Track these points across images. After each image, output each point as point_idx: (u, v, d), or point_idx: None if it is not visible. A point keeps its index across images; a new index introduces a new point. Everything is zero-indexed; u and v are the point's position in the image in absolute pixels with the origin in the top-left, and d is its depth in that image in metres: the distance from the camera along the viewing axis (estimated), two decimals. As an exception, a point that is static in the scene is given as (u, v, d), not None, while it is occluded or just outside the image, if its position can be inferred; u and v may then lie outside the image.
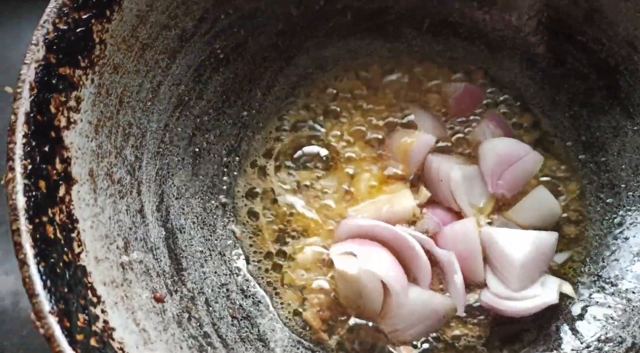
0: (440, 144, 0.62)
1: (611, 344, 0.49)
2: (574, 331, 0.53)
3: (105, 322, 0.38)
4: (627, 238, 0.56)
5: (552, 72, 0.64)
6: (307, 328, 0.54)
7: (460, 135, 0.63)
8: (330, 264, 0.54)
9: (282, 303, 0.55)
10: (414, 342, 0.54)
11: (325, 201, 0.60)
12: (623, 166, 0.58)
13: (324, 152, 0.62)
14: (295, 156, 0.62)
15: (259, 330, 0.51)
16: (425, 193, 0.59)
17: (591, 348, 0.51)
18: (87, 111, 0.46)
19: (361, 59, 0.67)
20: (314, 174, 0.61)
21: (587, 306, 0.55)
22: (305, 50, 0.65)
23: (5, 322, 0.71)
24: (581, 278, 0.57)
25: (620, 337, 0.49)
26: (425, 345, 0.53)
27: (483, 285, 0.54)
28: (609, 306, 0.54)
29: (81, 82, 0.45)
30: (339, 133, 0.63)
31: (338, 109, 0.64)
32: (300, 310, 0.55)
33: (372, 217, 0.56)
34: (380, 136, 0.63)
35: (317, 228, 0.59)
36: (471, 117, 0.64)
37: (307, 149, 0.63)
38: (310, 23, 0.64)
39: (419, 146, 0.59)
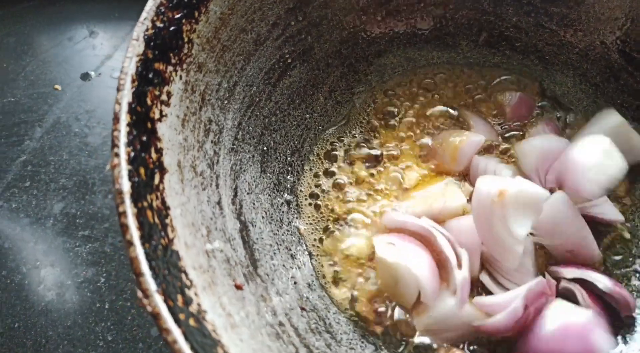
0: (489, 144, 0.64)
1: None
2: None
3: (199, 304, 0.39)
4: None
5: (605, 87, 0.66)
6: (362, 320, 0.56)
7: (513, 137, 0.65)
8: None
9: (339, 297, 0.56)
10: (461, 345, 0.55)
11: (378, 197, 0.62)
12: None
13: (376, 152, 0.65)
14: (352, 157, 0.64)
15: (325, 323, 0.53)
16: (468, 188, 0.60)
17: None
18: (176, 106, 0.48)
19: (419, 68, 0.69)
20: (368, 172, 0.63)
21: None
22: (366, 58, 0.68)
23: (51, 312, 0.72)
24: (633, 282, 0.58)
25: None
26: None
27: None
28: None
29: (172, 78, 0.48)
30: (393, 133, 0.65)
31: (395, 111, 0.67)
32: (354, 302, 0.56)
33: (423, 212, 0.57)
34: (431, 139, 0.65)
35: (371, 223, 0.60)
36: (526, 122, 0.66)
37: (362, 151, 0.65)
38: (372, 32, 0.67)
39: (468, 145, 0.61)
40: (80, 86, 0.96)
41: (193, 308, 0.38)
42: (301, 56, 0.63)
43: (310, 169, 0.64)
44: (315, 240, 0.60)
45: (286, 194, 0.61)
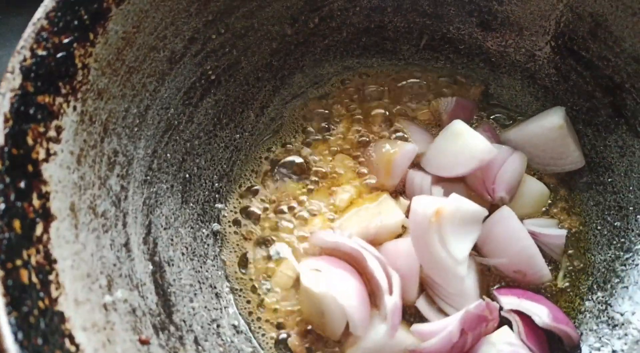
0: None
1: None
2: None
3: (85, 373, 0.35)
4: (637, 264, 0.54)
5: (554, 89, 0.62)
6: None
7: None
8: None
9: (263, 333, 0.52)
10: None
11: (309, 218, 0.57)
12: (631, 188, 0.56)
13: (308, 163, 0.60)
14: (281, 176, 0.60)
15: (252, 370, 0.49)
16: (404, 203, 0.56)
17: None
18: (69, 141, 0.43)
19: (357, 75, 0.65)
20: (299, 190, 0.59)
21: (597, 338, 0.52)
22: (300, 68, 0.63)
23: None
24: (588, 305, 0.55)
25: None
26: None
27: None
28: (619, 338, 0.51)
29: (62, 111, 0.43)
30: (326, 144, 0.61)
31: (329, 122, 0.62)
32: (284, 336, 0.52)
33: (359, 232, 0.54)
34: (365, 150, 0.61)
35: (300, 248, 0.56)
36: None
37: (287, 161, 0.60)
38: (305, 41, 0.62)
39: (402, 155, 0.57)
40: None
41: (75, 380, 0.34)
42: (226, 71, 0.58)
43: (237, 192, 0.59)
44: (240, 272, 0.55)
45: (212, 224, 0.56)
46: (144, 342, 0.41)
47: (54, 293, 0.37)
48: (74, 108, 0.44)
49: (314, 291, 0.47)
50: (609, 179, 0.58)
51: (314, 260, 0.51)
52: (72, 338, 0.36)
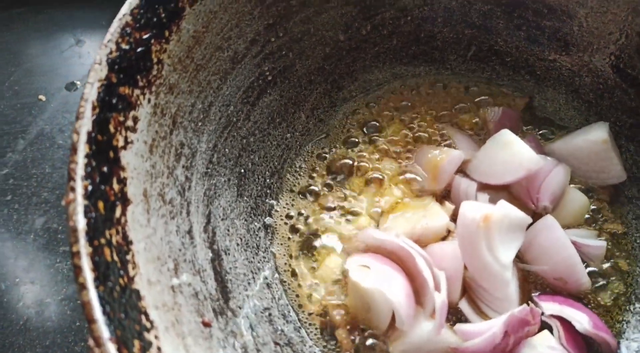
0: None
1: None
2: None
3: (159, 348, 0.37)
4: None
5: (598, 104, 0.63)
6: (338, 349, 0.53)
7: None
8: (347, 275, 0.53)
9: (310, 324, 0.54)
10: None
11: (355, 218, 0.60)
12: (675, 203, 0.57)
13: (347, 161, 0.62)
14: (330, 176, 0.62)
15: (301, 358, 0.51)
16: (449, 207, 0.58)
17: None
18: (143, 131, 0.46)
19: (405, 83, 0.67)
20: (346, 193, 0.61)
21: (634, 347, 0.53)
22: (351, 74, 0.65)
23: (29, 330, 0.71)
24: (626, 317, 0.56)
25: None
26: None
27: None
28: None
29: (139, 102, 0.46)
30: (373, 148, 0.63)
31: (377, 126, 0.64)
32: (330, 330, 0.54)
33: (405, 232, 0.55)
34: (411, 155, 0.63)
35: (346, 243, 0.58)
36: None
37: (335, 161, 0.63)
38: (356, 47, 0.64)
39: (449, 161, 0.59)
40: (66, 96, 0.94)
41: (151, 353, 0.36)
42: (282, 73, 0.61)
43: (289, 189, 0.61)
44: (290, 265, 0.57)
45: (264, 218, 0.59)
46: (207, 324, 0.43)
47: (131, 272, 0.39)
48: (149, 100, 0.47)
49: (363, 286, 0.49)
50: (650, 194, 0.59)
51: (361, 257, 0.53)
52: (147, 315, 0.38)
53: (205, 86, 0.53)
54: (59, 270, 0.75)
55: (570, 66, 0.64)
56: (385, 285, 0.49)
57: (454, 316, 0.55)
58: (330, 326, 0.54)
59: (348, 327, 0.54)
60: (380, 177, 0.62)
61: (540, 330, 0.51)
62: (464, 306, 0.53)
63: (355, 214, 0.60)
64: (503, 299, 0.51)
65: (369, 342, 0.52)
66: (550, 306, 0.52)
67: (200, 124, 0.53)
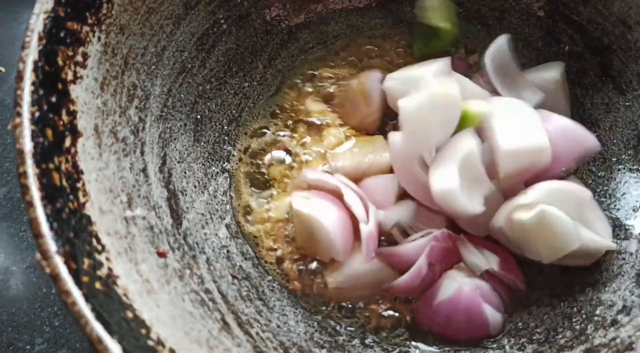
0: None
1: (602, 308, 0.50)
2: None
3: (110, 269, 0.38)
4: (618, 209, 0.58)
5: (547, 51, 0.65)
6: (287, 279, 0.55)
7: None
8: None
9: (267, 260, 0.56)
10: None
11: (308, 158, 0.61)
12: (615, 141, 0.60)
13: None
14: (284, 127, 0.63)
15: (257, 291, 0.51)
16: None
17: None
18: (94, 68, 0.46)
19: (361, 34, 0.68)
20: (298, 139, 0.62)
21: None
22: (307, 25, 0.66)
23: (-7, 299, 0.70)
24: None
25: (611, 300, 0.50)
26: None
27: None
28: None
29: (88, 39, 0.45)
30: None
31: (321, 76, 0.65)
32: (279, 261, 0.56)
33: (350, 165, 0.57)
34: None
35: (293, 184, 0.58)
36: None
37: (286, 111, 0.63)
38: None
39: (371, 81, 0.60)
40: (24, 66, 0.92)
41: (102, 272, 0.37)
42: (237, 21, 0.61)
43: (244, 136, 0.62)
44: (246, 207, 0.58)
45: (222, 164, 0.59)
46: (162, 254, 0.44)
47: (82, 199, 0.40)
48: (99, 39, 0.47)
49: (304, 211, 0.51)
50: (595, 134, 0.61)
51: (305, 193, 0.54)
52: (98, 239, 0.39)
53: (158, 30, 0.53)
54: (23, 238, 0.75)
55: (519, 14, 0.66)
56: (323, 214, 0.50)
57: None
58: (281, 260, 0.56)
59: (295, 257, 0.55)
60: (322, 123, 0.62)
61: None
62: (394, 232, 0.54)
63: (305, 161, 0.61)
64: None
65: (313, 266, 0.54)
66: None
67: (153, 67, 0.53)
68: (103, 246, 0.39)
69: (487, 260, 0.50)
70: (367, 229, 0.50)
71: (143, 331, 0.35)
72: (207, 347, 0.39)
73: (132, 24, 0.50)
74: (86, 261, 0.36)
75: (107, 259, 0.38)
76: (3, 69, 0.98)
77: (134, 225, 0.44)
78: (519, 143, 0.49)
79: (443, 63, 0.57)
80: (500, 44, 0.60)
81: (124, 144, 0.47)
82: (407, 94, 0.50)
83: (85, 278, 0.34)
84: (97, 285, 0.35)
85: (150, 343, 0.35)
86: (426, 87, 0.49)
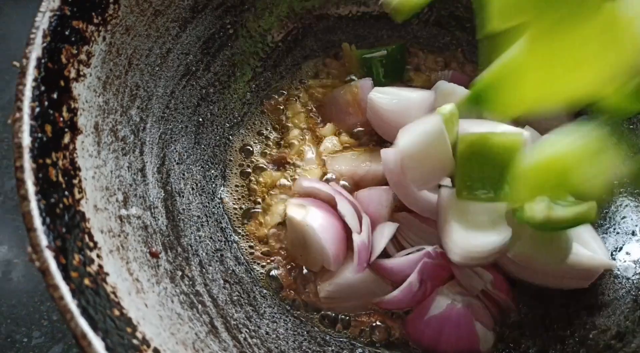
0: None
1: (595, 332, 0.49)
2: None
3: (100, 266, 0.38)
4: (617, 233, 0.57)
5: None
6: (279, 286, 0.55)
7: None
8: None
9: (263, 265, 0.55)
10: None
11: (305, 165, 0.61)
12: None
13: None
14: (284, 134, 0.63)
15: (249, 296, 0.51)
16: None
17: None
18: (97, 67, 0.46)
19: (367, 46, 0.68)
20: (295, 147, 0.62)
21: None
22: (313, 33, 0.66)
23: (-5, 289, 0.70)
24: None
25: (605, 325, 0.49)
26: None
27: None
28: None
29: (93, 38, 0.46)
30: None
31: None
32: (272, 268, 0.55)
33: (347, 171, 0.57)
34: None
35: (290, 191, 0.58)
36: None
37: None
38: (320, 6, 0.65)
39: (362, 89, 0.60)
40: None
41: (92, 268, 0.37)
42: (244, 27, 0.62)
43: (246, 141, 0.62)
44: (243, 212, 0.58)
45: (221, 167, 0.60)
46: (154, 255, 0.44)
47: (77, 195, 0.40)
48: (104, 38, 0.47)
49: (297, 219, 0.51)
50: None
51: (301, 200, 0.54)
52: (90, 236, 0.39)
53: (164, 32, 0.54)
54: (27, 232, 0.75)
55: (525, 32, 0.66)
56: (316, 223, 0.50)
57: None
58: (274, 266, 0.55)
59: (289, 265, 0.55)
60: (320, 131, 0.63)
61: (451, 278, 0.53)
62: (389, 246, 0.53)
63: (303, 170, 0.61)
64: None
65: (306, 274, 0.54)
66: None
67: (157, 69, 0.53)
68: (95, 243, 0.39)
69: (482, 280, 0.50)
70: (360, 239, 0.50)
71: (129, 329, 0.35)
72: (192, 349, 0.39)
73: (138, 25, 0.51)
74: (76, 257, 0.36)
75: (98, 256, 0.38)
76: (18, 64, 1.00)
77: (128, 223, 0.44)
78: None
79: (429, 94, 0.57)
80: None
81: (123, 143, 0.48)
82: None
83: (74, 274, 0.35)
84: (86, 281, 0.35)
85: (135, 341, 0.35)
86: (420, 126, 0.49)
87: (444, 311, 0.48)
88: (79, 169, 0.41)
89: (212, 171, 0.58)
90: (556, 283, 0.51)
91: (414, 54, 0.68)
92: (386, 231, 0.52)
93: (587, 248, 0.50)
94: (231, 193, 0.59)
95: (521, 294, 0.54)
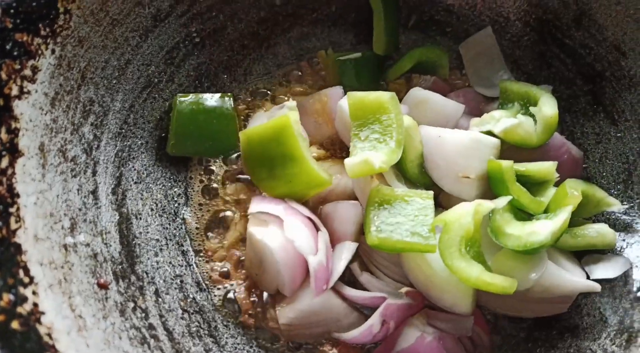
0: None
1: None
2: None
3: (35, 304, 0.35)
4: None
5: (537, 75, 0.62)
6: (239, 311, 0.51)
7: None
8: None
9: (224, 288, 0.52)
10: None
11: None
12: (604, 173, 0.56)
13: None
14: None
15: (210, 326, 0.48)
16: None
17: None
18: (44, 82, 0.43)
19: (342, 51, 0.65)
20: None
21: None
22: (287, 40, 0.63)
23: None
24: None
25: (590, 349, 0.46)
26: None
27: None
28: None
29: (40, 52, 0.43)
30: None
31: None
32: (232, 294, 0.52)
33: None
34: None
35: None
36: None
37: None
38: (293, 13, 0.62)
39: (332, 98, 0.56)
40: None
41: (24, 308, 0.34)
42: (212, 35, 0.58)
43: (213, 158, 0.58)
44: (204, 233, 0.54)
45: (184, 185, 0.56)
46: (102, 286, 0.41)
47: (13, 225, 0.37)
48: (53, 51, 0.44)
49: (257, 237, 0.47)
50: (584, 166, 0.58)
51: (264, 215, 0.50)
52: (26, 270, 0.36)
53: (122, 43, 0.50)
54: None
55: (509, 36, 0.62)
56: (275, 243, 0.46)
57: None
58: (234, 289, 0.52)
59: (251, 286, 0.51)
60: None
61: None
62: (354, 267, 0.50)
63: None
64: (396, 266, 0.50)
65: (267, 298, 0.51)
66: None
67: (114, 81, 0.50)
68: (31, 279, 0.36)
69: (465, 326, 0.47)
70: (316, 260, 0.46)
71: (63, 376, 0.32)
72: (139, 392, 0.36)
73: (92, 36, 0.48)
74: (5, 297, 0.33)
75: (34, 293, 0.35)
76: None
77: (74, 252, 0.41)
78: None
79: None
80: (483, 34, 0.61)
81: (73, 163, 0.45)
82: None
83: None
84: (14, 325, 0.32)
85: (69, 390, 0.32)
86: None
87: (414, 344, 0.45)
88: (18, 195, 0.38)
89: (175, 190, 0.55)
90: (536, 310, 0.48)
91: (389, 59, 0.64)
92: (345, 252, 0.48)
93: (564, 269, 0.47)
94: (194, 213, 0.55)
95: (502, 316, 0.51)
